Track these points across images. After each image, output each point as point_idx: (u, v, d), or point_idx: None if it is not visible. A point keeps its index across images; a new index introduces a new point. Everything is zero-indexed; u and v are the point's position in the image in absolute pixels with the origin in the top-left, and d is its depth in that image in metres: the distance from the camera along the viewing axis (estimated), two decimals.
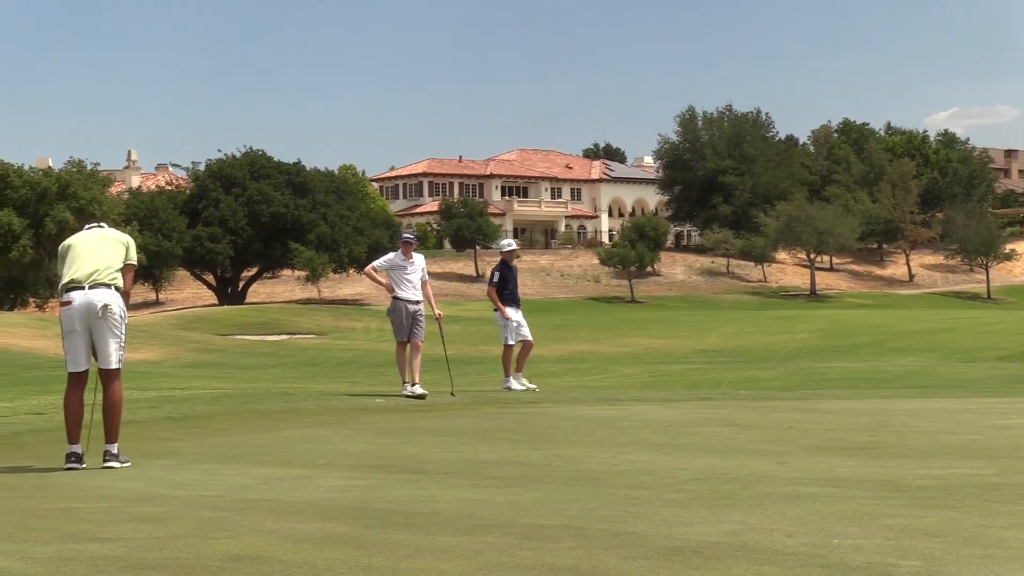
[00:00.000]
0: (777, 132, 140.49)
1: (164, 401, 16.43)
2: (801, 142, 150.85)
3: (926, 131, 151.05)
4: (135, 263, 9.95)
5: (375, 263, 17.73)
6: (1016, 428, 12.45)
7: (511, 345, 19.05)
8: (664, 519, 6.36)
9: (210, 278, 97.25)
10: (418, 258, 17.40)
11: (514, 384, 18.89)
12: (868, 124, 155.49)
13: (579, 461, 9.52)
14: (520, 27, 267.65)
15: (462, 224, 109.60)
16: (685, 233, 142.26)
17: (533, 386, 19.13)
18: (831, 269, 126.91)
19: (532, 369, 32.52)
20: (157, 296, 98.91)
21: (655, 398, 18.58)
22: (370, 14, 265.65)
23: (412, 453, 10.43)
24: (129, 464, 9.61)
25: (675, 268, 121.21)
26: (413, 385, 16.93)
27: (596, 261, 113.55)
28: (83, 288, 9.52)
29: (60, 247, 10.00)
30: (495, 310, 19.20)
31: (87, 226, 10.17)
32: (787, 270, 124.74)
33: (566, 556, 5.36)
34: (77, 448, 9.59)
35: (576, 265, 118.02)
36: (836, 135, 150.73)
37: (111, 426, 9.67)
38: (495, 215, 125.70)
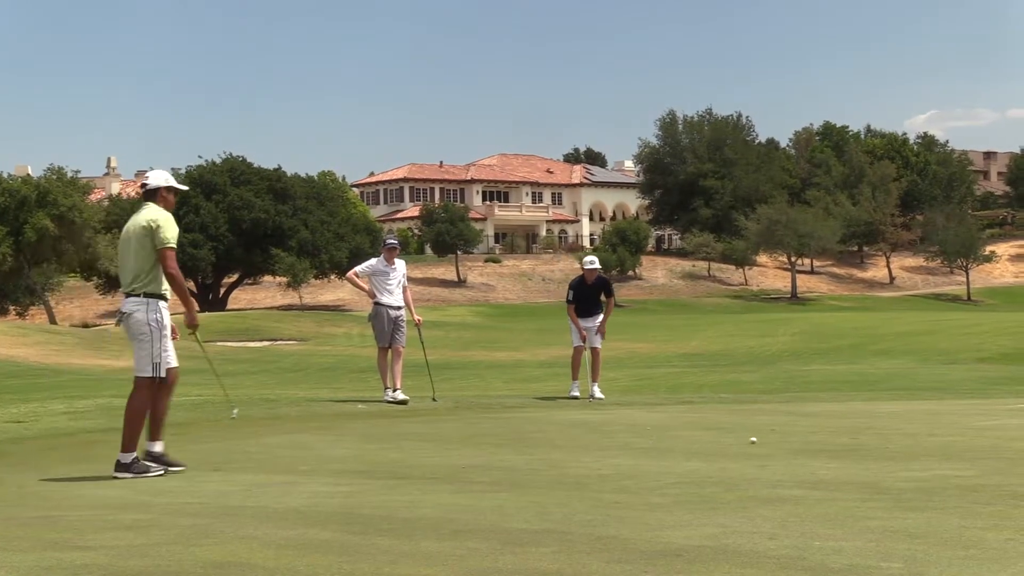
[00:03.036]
0: (757, 136, 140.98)
1: None
2: (782, 145, 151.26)
3: (906, 134, 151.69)
4: (165, 244, 9.32)
5: (357, 268, 17.65)
6: (997, 429, 12.49)
7: (579, 347, 18.84)
8: (647, 523, 6.36)
9: (191, 284, 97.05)
10: (399, 264, 17.35)
11: (575, 391, 18.78)
12: (849, 127, 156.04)
13: (562, 465, 9.52)
14: (501, 32, 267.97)
15: (443, 229, 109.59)
16: (666, 237, 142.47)
17: (601, 396, 18.58)
18: (812, 272, 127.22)
19: (515, 373, 32.52)
20: None
21: (638, 402, 18.59)
22: (350, 20, 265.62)
23: (395, 458, 10.42)
24: (161, 474, 9.34)
25: (656, 272, 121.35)
26: (395, 391, 16.91)
27: (577, 265, 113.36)
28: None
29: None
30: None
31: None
32: (768, 273, 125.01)
33: (549, 560, 5.36)
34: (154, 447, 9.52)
35: (557, 269, 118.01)
36: (818, 138, 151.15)
37: (123, 433, 9.42)
38: (476, 220, 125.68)
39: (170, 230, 9.34)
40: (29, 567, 5.41)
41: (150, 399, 9.47)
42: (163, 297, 9.45)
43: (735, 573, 5.05)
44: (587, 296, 18.87)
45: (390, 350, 17.09)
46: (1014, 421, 13.68)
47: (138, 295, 9.36)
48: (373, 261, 17.51)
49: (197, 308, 9.55)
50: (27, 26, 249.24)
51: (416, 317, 17.36)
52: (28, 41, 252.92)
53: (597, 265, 19.05)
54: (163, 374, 9.44)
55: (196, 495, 8.13)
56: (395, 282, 17.19)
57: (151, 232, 9.32)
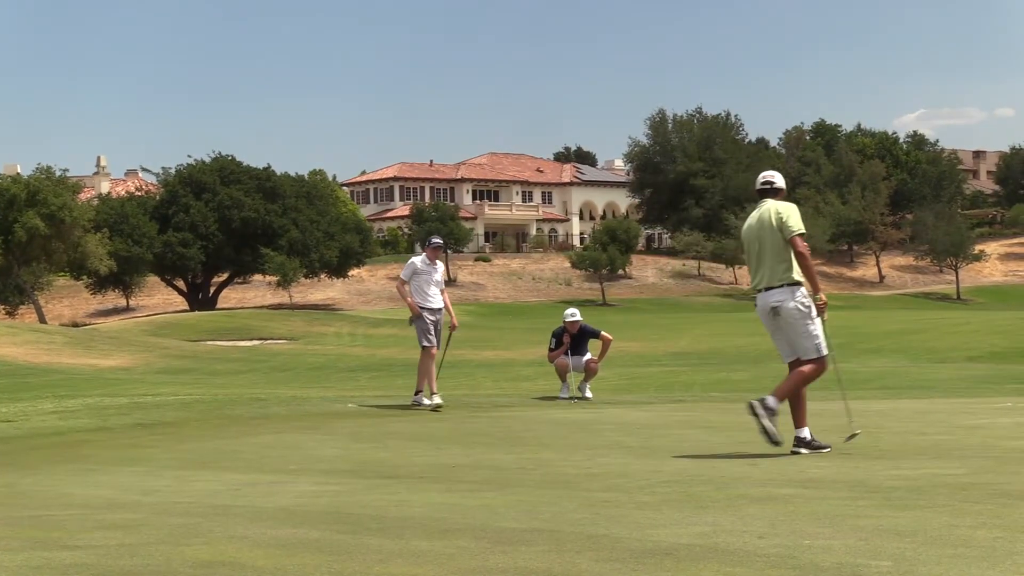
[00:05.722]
0: (747, 135, 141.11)
1: (135, 408, 16.37)
2: (772, 144, 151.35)
3: (895, 133, 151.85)
4: (794, 232, 9.84)
5: (402, 275, 16.70)
6: (986, 428, 12.52)
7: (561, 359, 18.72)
8: (637, 521, 6.36)
9: (181, 284, 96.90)
10: (439, 264, 16.67)
11: (563, 393, 18.56)
12: (840, 126, 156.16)
13: (552, 464, 9.53)
14: (490, 31, 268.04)
15: (433, 228, 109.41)
16: (656, 236, 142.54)
17: (590, 395, 18.42)
18: None
19: (504, 372, 32.55)
20: (128, 302, 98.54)
21: (628, 401, 18.61)
22: (340, 20, 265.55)
23: (385, 458, 10.43)
24: (828, 450, 9.79)
25: (646, 271, 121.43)
26: (432, 394, 16.17)
27: (567, 264, 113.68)
28: (761, 291, 10.01)
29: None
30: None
31: (760, 184, 10.25)
32: None
33: (539, 559, 5.36)
34: (802, 432, 9.90)
35: (547, 268, 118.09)
36: (809, 137, 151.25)
37: (795, 409, 9.91)
38: (466, 219, 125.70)
39: (795, 219, 9.86)
40: (18, 566, 5.40)
41: (819, 373, 9.98)
42: (800, 283, 9.92)
43: (725, 572, 5.05)
44: (573, 343, 18.70)
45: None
46: (1003, 420, 13.71)
47: (781, 286, 9.85)
48: (415, 261, 16.66)
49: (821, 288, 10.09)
50: (16, 25, 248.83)
51: (453, 321, 16.71)
52: (18, 40, 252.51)
53: (578, 317, 18.86)
54: (825, 351, 9.93)
55: (185, 494, 8.12)
56: (436, 282, 16.49)
57: (781, 224, 9.84)
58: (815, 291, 9.97)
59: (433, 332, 16.35)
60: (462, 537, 5.98)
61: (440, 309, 16.51)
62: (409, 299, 16.38)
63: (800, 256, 9.84)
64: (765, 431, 9.65)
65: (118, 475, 9.46)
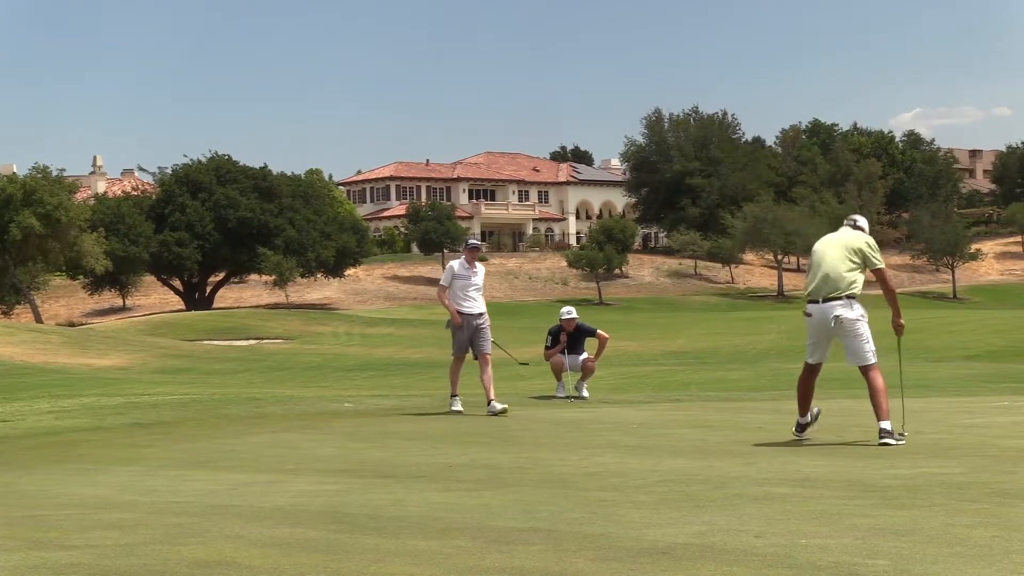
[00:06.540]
0: (743, 134, 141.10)
1: (131, 407, 16.36)
2: (768, 143, 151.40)
3: (892, 132, 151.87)
4: (881, 265, 11.04)
5: (442, 281, 16.19)
6: (982, 427, 12.53)
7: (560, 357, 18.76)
8: (633, 521, 6.37)
9: (177, 283, 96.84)
10: (479, 267, 16.18)
11: (559, 392, 18.52)
12: (837, 125, 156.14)
13: (549, 463, 9.52)
14: (487, 30, 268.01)
15: (430, 227, 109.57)
16: (653, 235, 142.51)
17: (587, 395, 18.36)
18: (798, 270, 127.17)
19: (500, 371, 32.48)
20: (124, 302, 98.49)
21: (624, 400, 18.61)
22: (336, 19, 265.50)
23: (382, 457, 10.43)
24: (904, 442, 10.41)
25: (643, 270, 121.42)
26: (489, 403, 15.58)
27: (564, 263, 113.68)
28: (818, 302, 10.84)
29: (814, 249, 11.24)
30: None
31: (845, 222, 11.39)
32: (754, 271, 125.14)
33: (536, 559, 5.36)
34: (803, 419, 11.08)
35: (544, 268, 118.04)
36: (805, 136, 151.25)
37: (878, 407, 10.66)
38: (463, 218, 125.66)
39: (879, 254, 11.08)
40: (14, 566, 5.39)
41: (882, 375, 10.90)
42: (856, 296, 10.90)
43: (722, 571, 5.05)
44: (569, 341, 18.75)
45: (476, 360, 15.88)
46: (1000, 419, 13.72)
47: (841, 298, 10.79)
48: (453, 265, 16.14)
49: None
50: (12, 24, 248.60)
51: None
52: (14, 39, 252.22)
53: (574, 315, 18.89)
54: (876, 358, 10.94)
55: (182, 494, 8.12)
56: (475, 286, 15.95)
57: (868, 252, 10.91)
58: (896, 316, 11.27)
59: (469, 341, 15.82)
60: (459, 536, 5.98)
61: (482, 313, 15.97)
62: (451, 305, 15.82)
63: (889, 288, 11.23)
64: (897, 443, 10.41)
65: (115, 475, 9.45)
